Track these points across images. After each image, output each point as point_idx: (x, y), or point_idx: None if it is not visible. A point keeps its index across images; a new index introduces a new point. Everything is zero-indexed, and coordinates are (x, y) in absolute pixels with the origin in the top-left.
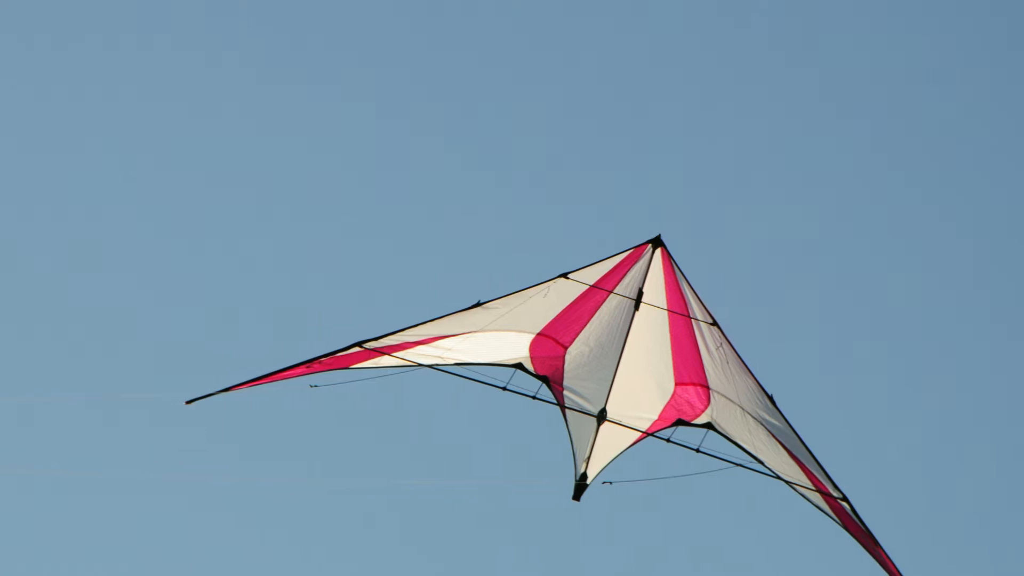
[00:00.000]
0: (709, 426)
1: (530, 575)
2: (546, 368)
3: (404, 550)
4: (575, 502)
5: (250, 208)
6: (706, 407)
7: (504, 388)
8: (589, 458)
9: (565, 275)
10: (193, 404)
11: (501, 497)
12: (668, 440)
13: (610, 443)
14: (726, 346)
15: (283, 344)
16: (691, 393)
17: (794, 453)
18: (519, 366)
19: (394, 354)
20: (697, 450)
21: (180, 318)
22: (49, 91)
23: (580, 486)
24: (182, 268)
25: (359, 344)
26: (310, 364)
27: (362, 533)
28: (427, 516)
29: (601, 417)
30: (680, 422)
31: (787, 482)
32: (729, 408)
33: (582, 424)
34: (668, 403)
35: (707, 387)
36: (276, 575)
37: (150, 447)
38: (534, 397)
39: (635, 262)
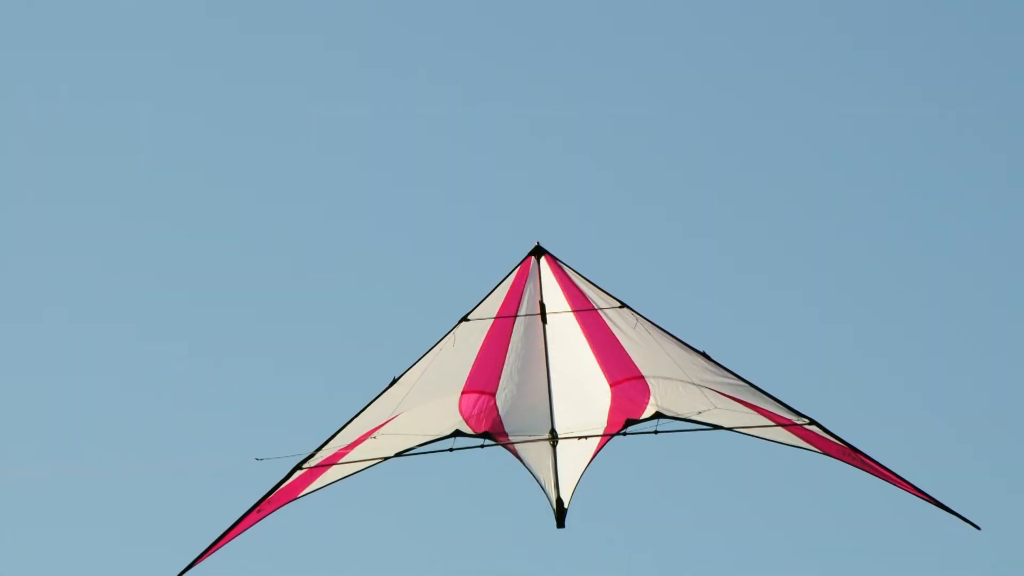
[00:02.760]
0: (659, 415)
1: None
2: (483, 423)
3: None
4: (561, 529)
5: None
6: (649, 397)
7: (451, 449)
8: (557, 484)
9: (465, 317)
10: None
11: None
12: (624, 433)
13: (571, 463)
14: (642, 322)
15: None
16: (629, 389)
17: (748, 401)
18: (457, 432)
19: (338, 462)
20: (655, 432)
21: None
22: None
23: (560, 512)
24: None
25: (299, 467)
26: (260, 508)
27: None
28: None
29: (553, 438)
30: (630, 422)
31: (751, 435)
32: (670, 386)
33: (538, 454)
34: (611, 407)
35: (641, 376)
36: None
37: None
38: (482, 446)
39: (527, 278)
